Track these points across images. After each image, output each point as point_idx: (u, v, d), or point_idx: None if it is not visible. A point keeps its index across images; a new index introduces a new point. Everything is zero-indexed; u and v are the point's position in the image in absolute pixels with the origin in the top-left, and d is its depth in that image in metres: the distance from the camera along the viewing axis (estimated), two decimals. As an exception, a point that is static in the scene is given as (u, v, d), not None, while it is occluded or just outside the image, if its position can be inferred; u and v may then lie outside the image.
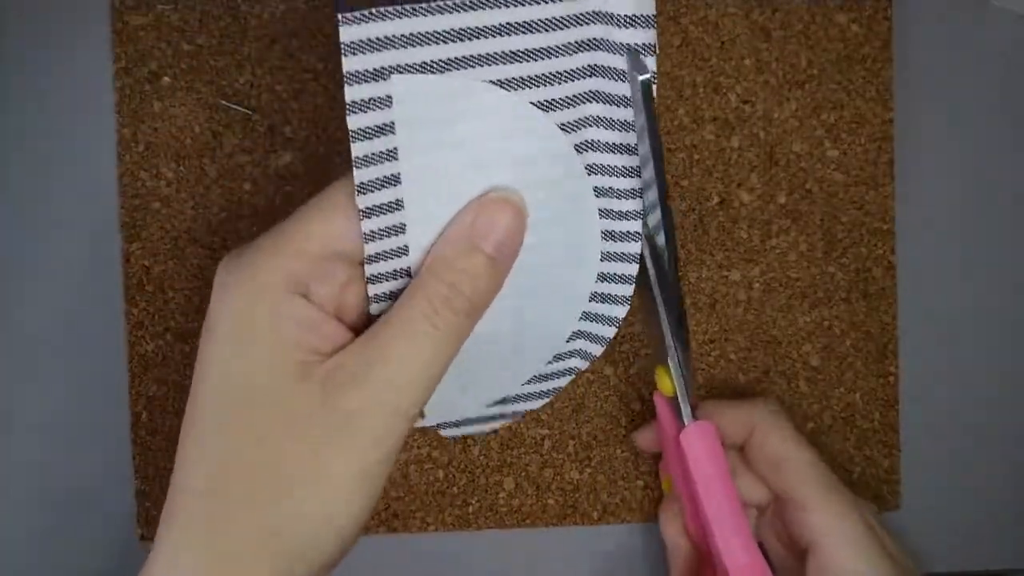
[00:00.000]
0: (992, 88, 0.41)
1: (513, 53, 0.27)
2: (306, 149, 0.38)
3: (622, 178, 0.30)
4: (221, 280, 0.27)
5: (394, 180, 0.27)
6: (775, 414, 0.35)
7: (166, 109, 0.38)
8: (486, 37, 0.27)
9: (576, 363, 0.34)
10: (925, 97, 0.40)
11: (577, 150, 0.29)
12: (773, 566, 0.35)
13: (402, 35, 0.26)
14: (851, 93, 0.39)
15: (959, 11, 0.40)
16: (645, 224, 0.30)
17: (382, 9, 0.25)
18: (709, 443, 0.33)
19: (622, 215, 0.30)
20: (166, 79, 0.38)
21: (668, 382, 0.33)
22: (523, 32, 0.27)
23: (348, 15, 0.25)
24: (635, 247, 0.31)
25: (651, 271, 0.31)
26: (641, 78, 0.27)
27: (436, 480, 0.39)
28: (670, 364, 0.33)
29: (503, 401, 0.34)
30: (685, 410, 0.33)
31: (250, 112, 0.38)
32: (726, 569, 0.32)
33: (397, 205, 0.27)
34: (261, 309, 0.26)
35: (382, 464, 0.26)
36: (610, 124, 0.29)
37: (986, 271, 0.41)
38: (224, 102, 0.38)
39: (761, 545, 0.36)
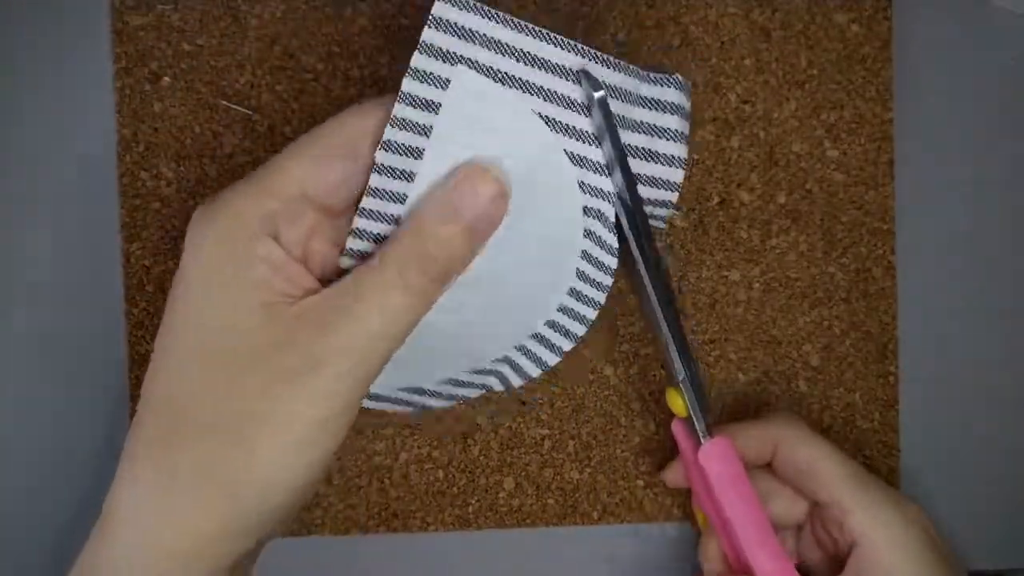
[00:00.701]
0: (992, 88, 0.41)
1: (572, 101, 0.28)
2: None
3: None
4: (194, 225, 0.27)
5: (417, 153, 0.28)
6: (796, 426, 0.35)
7: (166, 109, 0.38)
8: (557, 75, 0.28)
9: (492, 382, 0.34)
10: (925, 97, 0.40)
11: (584, 212, 0.30)
12: None
13: (485, 35, 0.27)
14: (851, 93, 0.39)
15: (959, 11, 0.40)
16: (650, 243, 0.31)
17: (481, 5, 0.26)
18: (727, 457, 0.33)
19: (602, 244, 0.31)
20: (166, 79, 0.38)
21: (680, 403, 0.33)
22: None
23: None
24: (606, 281, 0.31)
25: (651, 295, 0.31)
26: (596, 95, 0.28)
27: (436, 480, 0.39)
28: (680, 386, 0.33)
29: (415, 391, 0.33)
30: (700, 427, 0.33)
31: (250, 112, 0.38)
32: None
33: (408, 176, 0.28)
34: (233, 248, 0.26)
35: (340, 416, 0.26)
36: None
37: (986, 271, 0.41)
38: (224, 102, 0.38)
39: (803, 565, 0.36)
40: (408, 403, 0.34)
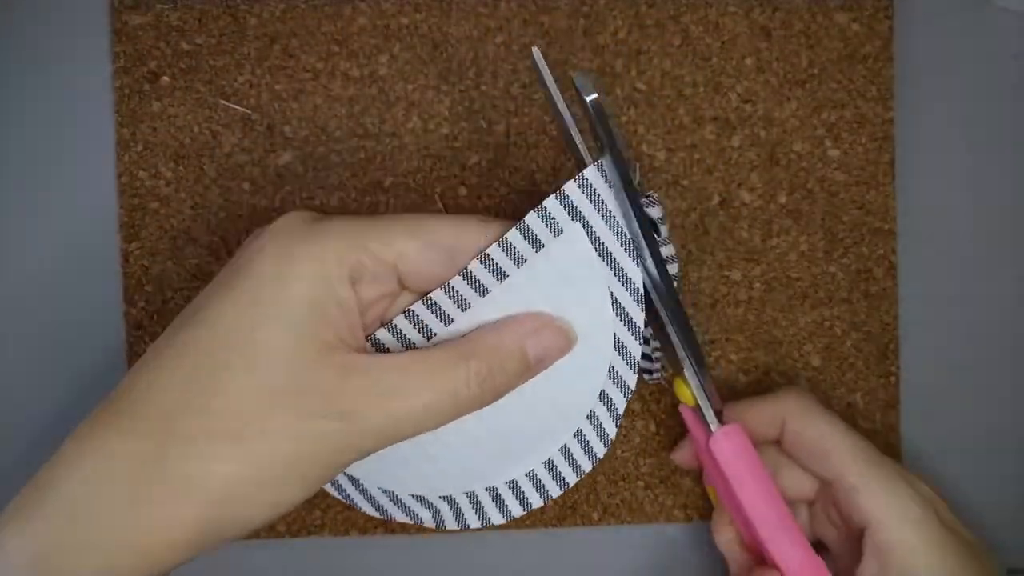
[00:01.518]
0: (993, 88, 0.41)
1: (640, 295, 0.31)
2: (305, 149, 0.38)
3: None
4: (283, 233, 0.28)
5: (502, 276, 0.30)
6: (805, 402, 0.35)
7: (165, 109, 0.38)
8: (637, 268, 0.30)
9: (446, 513, 0.34)
10: (926, 96, 0.40)
11: (600, 396, 0.32)
12: (831, 556, 0.35)
13: (608, 209, 0.30)
14: (852, 93, 0.39)
15: (960, 10, 0.40)
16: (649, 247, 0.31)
17: (622, 190, 0.29)
18: (739, 445, 0.33)
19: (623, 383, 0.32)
20: (165, 79, 0.38)
21: (688, 392, 0.33)
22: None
23: (604, 164, 0.29)
24: (613, 427, 0.32)
25: (654, 283, 0.31)
26: (589, 99, 0.28)
27: (436, 481, 0.39)
28: (686, 375, 0.33)
29: (386, 493, 0.34)
30: (709, 416, 0.33)
31: (249, 112, 0.38)
32: (781, 570, 0.32)
33: (482, 292, 0.30)
34: (318, 276, 0.27)
35: (328, 472, 0.27)
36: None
37: (987, 271, 0.41)
38: (223, 102, 0.38)
39: (819, 542, 0.35)
40: (375, 503, 0.34)
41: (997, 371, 0.41)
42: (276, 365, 0.26)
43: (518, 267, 0.29)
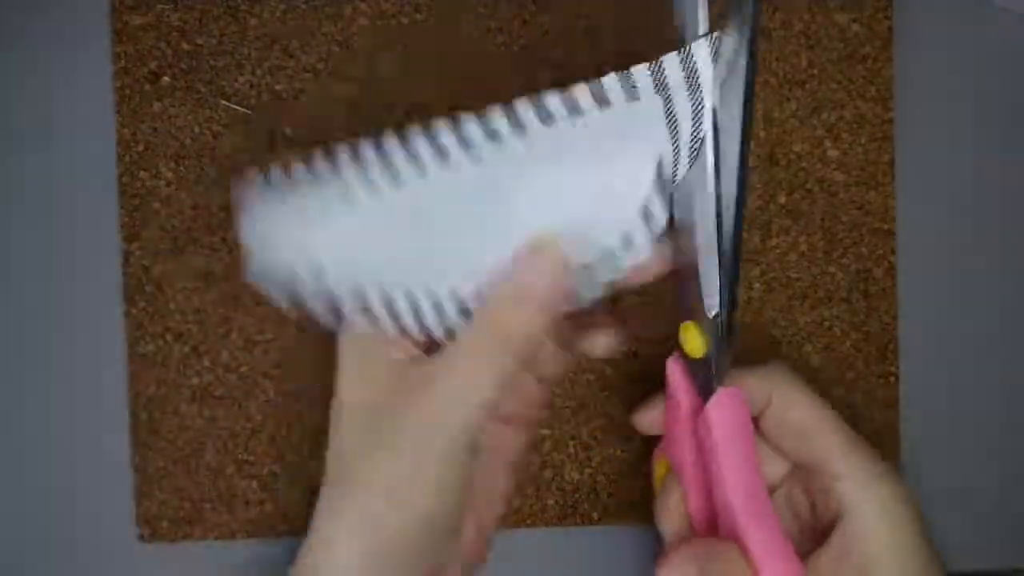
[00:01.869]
0: (992, 88, 0.41)
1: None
2: (306, 149, 0.38)
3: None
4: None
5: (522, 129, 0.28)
6: (793, 382, 0.33)
7: (166, 109, 0.38)
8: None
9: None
10: (925, 97, 0.40)
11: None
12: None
13: (702, 95, 0.28)
14: (851, 93, 0.39)
15: (959, 11, 0.40)
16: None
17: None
18: (740, 413, 0.30)
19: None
20: (166, 79, 0.38)
21: (698, 341, 0.29)
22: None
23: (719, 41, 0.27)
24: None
25: (715, 196, 0.28)
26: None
27: (436, 480, 0.39)
28: (709, 318, 0.29)
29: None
30: (718, 374, 0.29)
31: (250, 112, 0.38)
32: (756, 567, 0.29)
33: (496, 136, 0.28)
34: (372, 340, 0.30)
35: (420, 480, 0.28)
36: None
37: (986, 271, 0.41)
38: (224, 102, 0.38)
39: None
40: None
41: (996, 371, 0.41)
42: (362, 401, 0.30)
43: (570, 116, 0.27)
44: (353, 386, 0.30)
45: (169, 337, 0.38)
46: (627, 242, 0.29)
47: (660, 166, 0.29)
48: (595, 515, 0.39)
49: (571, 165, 0.28)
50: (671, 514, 0.33)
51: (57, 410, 0.38)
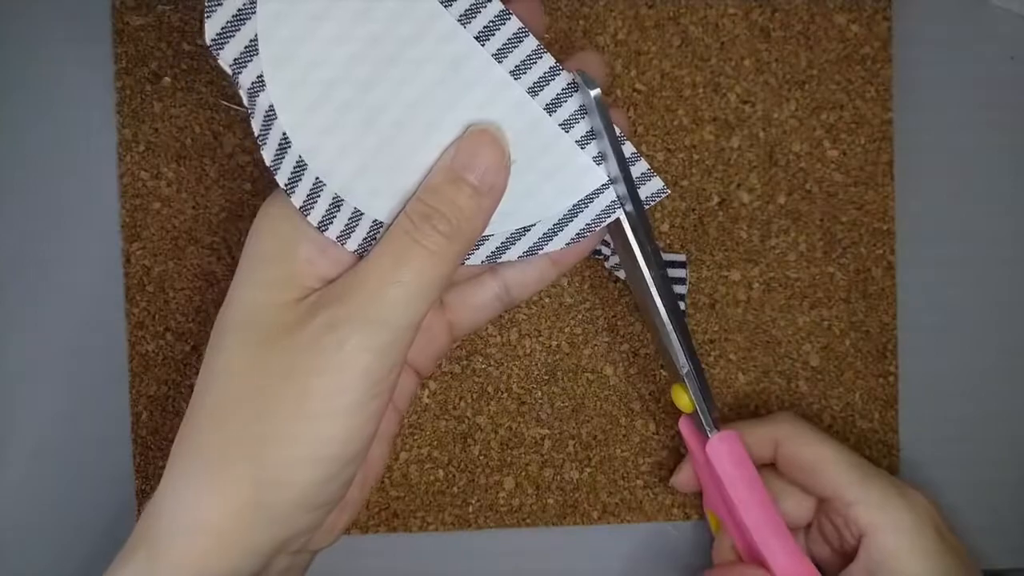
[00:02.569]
0: (991, 88, 0.41)
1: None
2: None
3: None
4: (258, 217, 0.28)
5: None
6: (797, 424, 0.36)
7: (167, 109, 0.38)
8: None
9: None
10: (924, 97, 0.40)
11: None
12: (826, 573, 0.36)
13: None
14: (851, 93, 0.39)
15: (959, 11, 0.40)
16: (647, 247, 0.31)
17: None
18: (735, 449, 0.33)
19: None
20: (166, 79, 0.38)
21: (686, 398, 0.33)
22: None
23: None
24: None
25: (652, 288, 0.31)
26: (593, 93, 0.28)
27: (436, 480, 0.39)
28: (685, 381, 0.33)
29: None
30: (706, 420, 0.33)
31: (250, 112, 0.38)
32: (774, 572, 0.32)
33: None
34: (281, 242, 0.27)
35: (364, 387, 0.26)
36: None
37: (985, 271, 0.41)
38: (224, 102, 0.38)
39: (814, 561, 0.36)
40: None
41: (995, 371, 0.41)
42: (266, 325, 0.27)
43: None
44: (259, 288, 0.27)
45: (170, 336, 0.38)
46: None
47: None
48: (595, 514, 0.39)
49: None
50: (723, 554, 0.36)
51: (58, 410, 0.38)
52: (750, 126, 0.39)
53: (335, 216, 0.28)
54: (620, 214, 0.30)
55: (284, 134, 0.27)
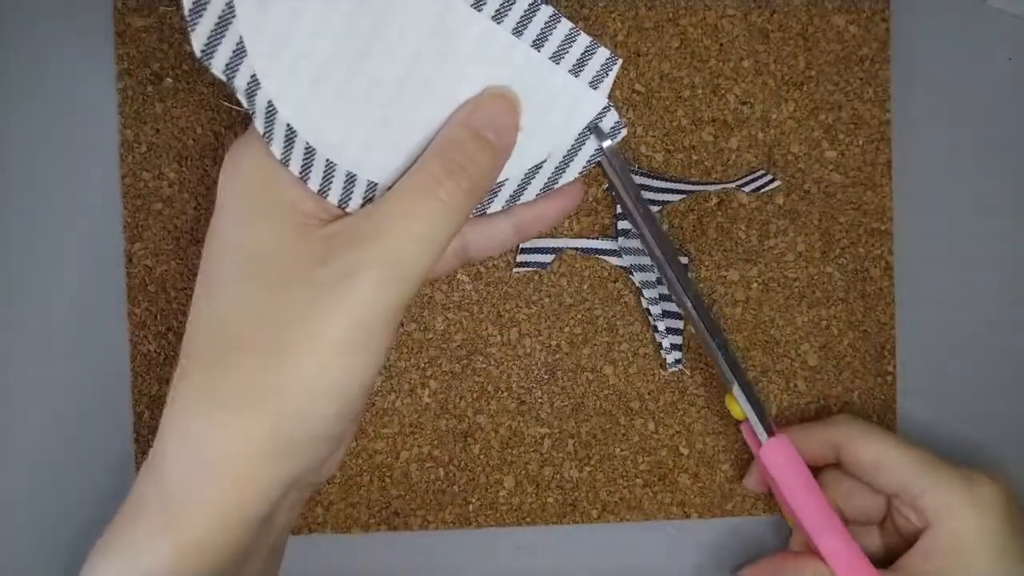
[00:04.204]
0: (989, 89, 0.41)
1: None
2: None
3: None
4: (225, 168, 0.28)
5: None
6: (856, 425, 0.36)
7: (168, 110, 0.38)
8: None
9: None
10: (923, 98, 0.40)
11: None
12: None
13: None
14: (849, 94, 0.40)
15: (956, 12, 0.41)
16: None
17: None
18: (786, 454, 0.35)
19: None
20: (168, 80, 0.38)
21: (737, 408, 0.35)
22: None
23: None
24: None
25: (693, 315, 0.33)
26: (606, 145, 0.29)
27: (436, 479, 0.39)
28: (734, 392, 0.35)
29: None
30: (759, 430, 0.35)
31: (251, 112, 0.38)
32: (831, 566, 0.34)
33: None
34: (266, 172, 0.27)
35: (380, 326, 0.26)
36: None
37: (983, 271, 0.41)
38: (226, 103, 0.38)
39: (892, 555, 0.37)
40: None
41: (993, 370, 0.41)
42: (271, 265, 0.27)
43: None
44: (241, 244, 0.27)
45: (172, 336, 0.38)
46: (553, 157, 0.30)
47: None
48: (594, 513, 0.40)
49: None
50: (797, 547, 0.37)
51: (60, 409, 0.38)
52: (749, 127, 0.39)
53: (352, 192, 0.28)
54: (666, 270, 0.32)
55: (288, 125, 0.27)
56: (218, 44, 0.26)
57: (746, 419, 0.35)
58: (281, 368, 0.26)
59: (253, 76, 0.27)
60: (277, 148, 0.27)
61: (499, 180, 0.30)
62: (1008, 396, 0.41)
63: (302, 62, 0.27)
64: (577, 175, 0.30)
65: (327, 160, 0.28)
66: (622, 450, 0.40)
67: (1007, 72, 0.41)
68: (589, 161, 0.30)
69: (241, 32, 0.26)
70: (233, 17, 0.26)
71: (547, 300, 0.39)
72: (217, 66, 0.26)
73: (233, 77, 0.27)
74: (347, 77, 0.27)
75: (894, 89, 0.40)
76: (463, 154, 0.28)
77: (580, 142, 0.30)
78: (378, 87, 0.28)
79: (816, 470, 0.37)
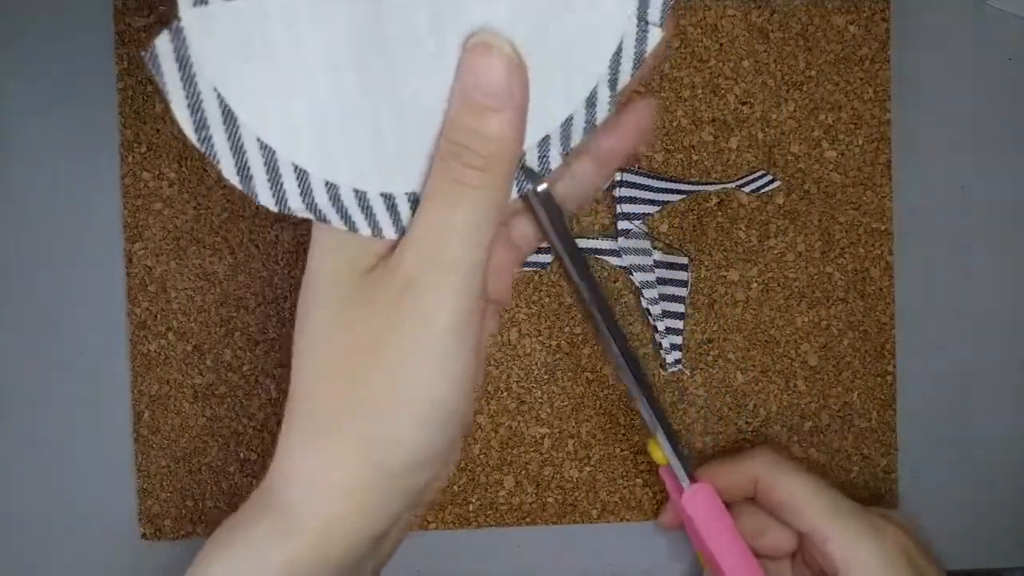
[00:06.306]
0: (989, 89, 0.41)
1: None
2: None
3: None
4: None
5: None
6: (773, 461, 0.36)
7: (168, 110, 0.38)
8: None
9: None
10: (922, 98, 0.40)
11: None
12: None
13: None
14: (849, 94, 0.40)
15: (956, 13, 0.41)
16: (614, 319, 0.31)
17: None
18: (708, 502, 0.35)
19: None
20: (168, 80, 0.38)
21: (660, 453, 0.35)
22: None
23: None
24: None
25: (619, 361, 0.31)
26: (540, 188, 0.27)
27: (436, 479, 0.39)
28: (658, 438, 0.34)
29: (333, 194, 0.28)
30: (681, 475, 0.35)
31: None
32: None
33: None
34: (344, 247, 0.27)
35: (451, 334, 0.26)
36: None
37: (983, 271, 0.41)
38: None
39: None
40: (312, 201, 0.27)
41: (992, 370, 0.41)
42: (348, 299, 0.27)
43: None
44: (335, 255, 0.27)
45: (172, 336, 0.38)
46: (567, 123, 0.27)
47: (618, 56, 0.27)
48: (594, 513, 0.40)
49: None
50: None
51: (60, 409, 0.38)
52: (749, 127, 0.39)
53: (376, 214, 0.27)
54: (595, 314, 0.30)
55: (295, 165, 0.26)
56: (205, 120, 0.26)
57: (667, 463, 0.35)
58: (363, 397, 0.26)
59: (258, 139, 0.26)
60: (296, 204, 0.26)
61: (544, 122, 0.27)
62: (1008, 396, 0.41)
63: (293, 99, 0.25)
64: (630, 77, 0.27)
65: (355, 189, 0.27)
66: (622, 450, 0.40)
67: (1007, 72, 0.41)
68: (634, 65, 0.26)
69: (215, 83, 0.25)
70: (195, 77, 0.25)
71: (547, 300, 0.39)
72: (221, 154, 0.26)
73: (240, 154, 0.26)
74: (340, 91, 0.26)
75: (894, 89, 0.40)
76: (464, 132, 0.26)
77: (617, 57, 0.26)
78: (380, 108, 0.26)
79: (731, 504, 0.36)
